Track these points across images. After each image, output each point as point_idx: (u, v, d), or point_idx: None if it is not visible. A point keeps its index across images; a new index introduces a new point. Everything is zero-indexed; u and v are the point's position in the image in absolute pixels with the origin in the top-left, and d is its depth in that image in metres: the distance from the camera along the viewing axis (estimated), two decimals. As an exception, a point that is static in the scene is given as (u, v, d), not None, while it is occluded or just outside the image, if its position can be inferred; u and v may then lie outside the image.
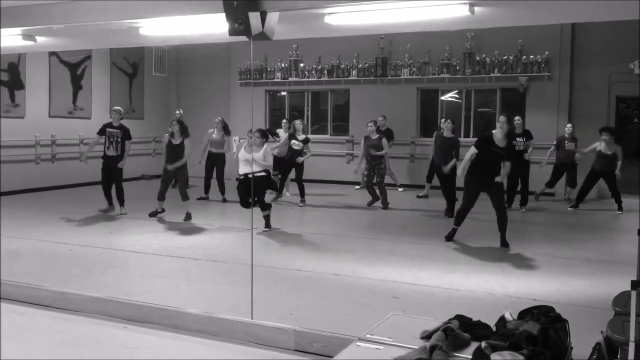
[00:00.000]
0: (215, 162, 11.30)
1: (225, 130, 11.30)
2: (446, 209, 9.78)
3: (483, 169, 7.36)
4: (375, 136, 10.47)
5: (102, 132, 9.72)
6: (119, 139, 9.62)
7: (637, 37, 9.23)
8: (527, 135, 10.51)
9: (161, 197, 9.39)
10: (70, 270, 6.31)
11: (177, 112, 13.01)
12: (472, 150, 7.43)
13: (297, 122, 11.16)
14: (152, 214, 9.37)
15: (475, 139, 8.19)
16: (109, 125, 9.74)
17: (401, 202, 10.31)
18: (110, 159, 9.66)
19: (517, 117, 10.55)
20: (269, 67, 14.95)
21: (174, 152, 9.34)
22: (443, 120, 10.78)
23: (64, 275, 6.00)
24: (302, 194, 10.91)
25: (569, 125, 11.29)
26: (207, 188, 11.48)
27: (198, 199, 11.11)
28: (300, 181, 11.07)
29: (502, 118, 7.40)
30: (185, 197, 9.32)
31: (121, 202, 9.76)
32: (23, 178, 12.12)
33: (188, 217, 9.22)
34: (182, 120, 10.12)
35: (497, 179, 7.33)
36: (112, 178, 9.73)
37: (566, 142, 11.17)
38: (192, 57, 15.53)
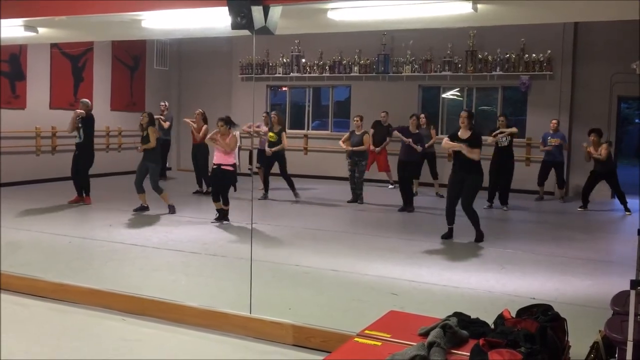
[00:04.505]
0: (196, 154, 11.41)
1: (205, 121, 11.34)
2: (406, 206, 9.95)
3: (459, 165, 7.61)
4: (359, 132, 10.54)
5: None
6: (80, 125, 9.82)
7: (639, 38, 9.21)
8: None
9: (139, 189, 9.32)
10: (69, 262, 6.32)
11: (162, 103, 13.01)
12: None
13: (273, 114, 11.19)
14: (138, 209, 9.33)
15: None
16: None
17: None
18: (77, 146, 9.90)
19: (500, 117, 10.82)
20: (270, 62, 14.93)
21: (145, 143, 9.42)
22: (422, 116, 10.69)
23: (64, 267, 6.02)
24: (292, 187, 10.83)
25: (554, 121, 11.35)
26: (199, 182, 11.59)
27: (194, 192, 11.35)
28: (285, 175, 10.99)
29: (462, 113, 7.75)
30: (157, 191, 9.30)
31: (86, 191, 9.85)
32: (23, 169, 12.12)
33: (172, 211, 9.22)
34: (152, 113, 10.08)
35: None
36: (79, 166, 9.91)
37: (549, 138, 11.22)
38: (193, 50, 15.47)
